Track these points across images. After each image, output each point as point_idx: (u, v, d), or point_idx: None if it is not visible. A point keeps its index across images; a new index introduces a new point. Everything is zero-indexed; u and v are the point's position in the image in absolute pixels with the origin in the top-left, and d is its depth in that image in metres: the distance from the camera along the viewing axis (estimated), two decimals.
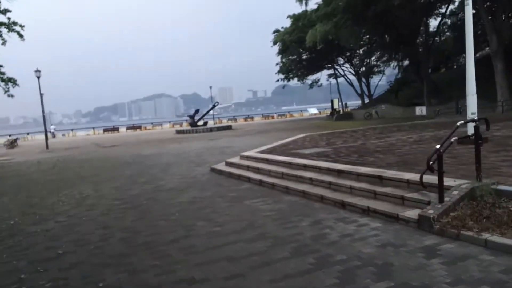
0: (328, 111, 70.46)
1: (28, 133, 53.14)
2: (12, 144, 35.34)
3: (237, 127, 38.77)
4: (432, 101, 33.20)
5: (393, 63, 42.25)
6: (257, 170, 9.42)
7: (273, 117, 65.74)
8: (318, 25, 32.77)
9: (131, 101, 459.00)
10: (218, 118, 63.47)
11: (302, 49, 44.28)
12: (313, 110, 69.27)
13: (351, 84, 47.25)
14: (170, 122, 61.21)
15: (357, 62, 47.67)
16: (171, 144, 23.97)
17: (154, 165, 13.91)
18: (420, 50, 34.37)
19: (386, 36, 36.93)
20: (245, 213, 6.39)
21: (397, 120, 28.49)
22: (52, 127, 54.88)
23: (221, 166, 11.10)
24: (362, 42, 42.76)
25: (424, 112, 31.85)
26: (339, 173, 7.30)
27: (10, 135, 47.94)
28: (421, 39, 35.29)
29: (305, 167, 8.28)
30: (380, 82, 51.03)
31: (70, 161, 17.91)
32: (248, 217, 6.12)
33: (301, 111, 72.26)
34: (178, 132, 36.62)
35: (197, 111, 39.73)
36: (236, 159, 11.24)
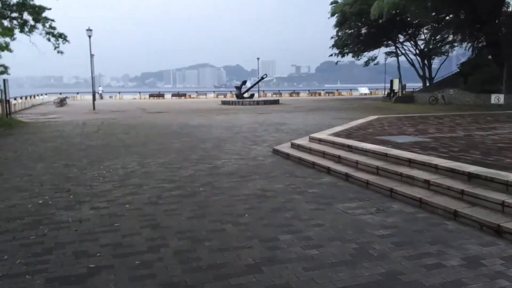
0: (380, 92, 66.73)
1: (77, 93, 53.81)
2: (61, 102, 35.47)
3: (284, 102, 36.73)
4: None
5: (465, 44, 37.81)
6: (338, 159, 7.51)
7: (319, 94, 62.84)
8: None
9: (176, 69, 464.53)
10: (263, 91, 61.34)
11: (361, 23, 40.75)
12: (363, 90, 65.37)
13: (412, 64, 43.21)
14: (214, 92, 60.00)
15: (421, 41, 43.35)
16: (219, 115, 22.45)
17: (205, 138, 12.34)
18: (503, 30, 30.15)
19: (462, 12, 32.84)
20: (345, 226, 4.55)
21: (472, 108, 25.29)
22: (100, 88, 55.22)
23: (286, 148, 9.27)
24: (427, 20, 38.58)
25: (502, 101, 28.09)
26: (471, 178, 5.24)
27: (60, 93, 48.71)
28: (502, 19, 30.97)
29: (411, 163, 6.26)
30: (441, 64, 46.65)
31: (115, 126, 16.82)
32: (352, 234, 4.28)
33: (350, 90, 68.44)
34: (224, 103, 35.15)
35: (244, 82, 37.89)
36: (304, 141, 9.36)
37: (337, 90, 67.45)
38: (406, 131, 10.20)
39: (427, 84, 42.86)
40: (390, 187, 5.73)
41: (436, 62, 47.43)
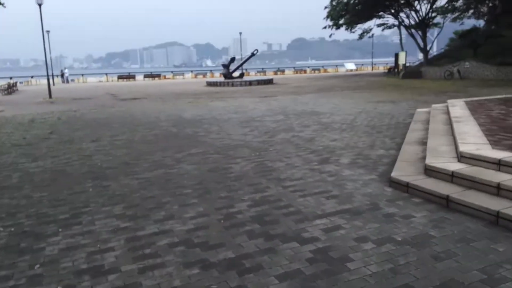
0: (366, 68, 62.98)
1: (32, 77, 46.57)
2: (10, 89, 29.12)
3: (278, 82, 32.02)
4: None
5: (471, 13, 33.81)
6: None
7: (305, 72, 58.61)
8: None
9: (143, 48, 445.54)
10: (245, 70, 56.12)
11: None
12: (350, 66, 61.32)
13: (412, 36, 39.02)
14: (192, 71, 54.14)
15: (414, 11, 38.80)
16: (214, 101, 17.56)
17: (225, 147, 7.60)
18: None
19: None
20: None
21: (505, 83, 21.58)
22: (66, 70, 47.01)
23: (427, 182, 4.69)
24: None
25: None
26: None
27: (11, 78, 41.64)
28: None
29: None
30: (436, 36, 42.78)
31: (76, 124, 11.69)
32: None
33: (336, 66, 64.21)
34: (210, 84, 30.00)
35: (232, 59, 32.69)
36: (462, 165, 4.81)
37: (322, 66, 63.10)
38: None
39: (428, 58, 39.00)
40: None
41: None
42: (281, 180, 5.34)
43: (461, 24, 36.94)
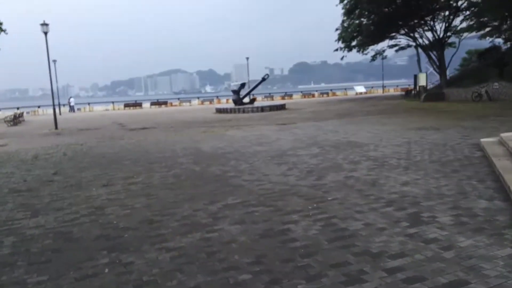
0: (376, 90, 61.98)
1: (39, 106, 45.72)
2: (15, 120, 27.93)
3: (291, 107, 30.76)
4: None
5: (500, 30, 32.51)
6: None
7: (313, 96, 57.57)
8: None
9: (147, 76, 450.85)
10: (252, 95, 55.11)
11: (374, 8, 34.64)
12: (360, 89, 60.42)
13: (429, 56, 37.71)
14: (198, 98, 53.27)
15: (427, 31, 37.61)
16: (228, 129, 16.18)
17: (267, 193, 6.04)
18: None
19: None
20: None
21: None
22: (72, 99, 45.42)
23: None
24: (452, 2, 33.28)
25: None
26: None
27: (18, 108, 40.78)
28: None
29: None
30: (452, 56, 41.55)
31: (84, 161, 10.22)
32: None
33: (345, 89, 63.23)
34: (220, 111, 28.70)
35: (242, 85, 31.58)
36: None
37: (331, 90, 62.10)
38: None
39: (431, 79, 37.55)
40: None
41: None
42: (375, 256, 3.77)
43: (490, 41, 35.77)
